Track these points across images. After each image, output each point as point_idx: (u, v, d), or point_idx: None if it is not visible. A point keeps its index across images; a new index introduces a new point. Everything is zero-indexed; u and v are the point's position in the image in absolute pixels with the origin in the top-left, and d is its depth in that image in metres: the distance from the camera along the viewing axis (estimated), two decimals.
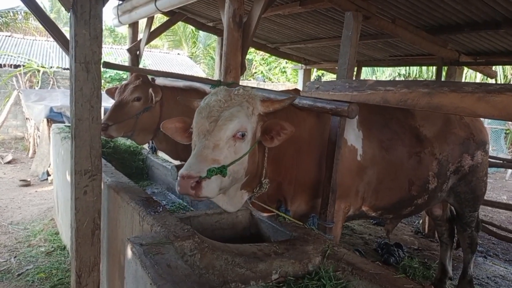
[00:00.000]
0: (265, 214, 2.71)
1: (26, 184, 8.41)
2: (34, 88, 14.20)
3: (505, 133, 15.97)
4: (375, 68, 17.04)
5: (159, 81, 5.25)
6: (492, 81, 9.95)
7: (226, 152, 2.13)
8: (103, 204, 2.85)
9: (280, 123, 2.28)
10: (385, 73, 18.43)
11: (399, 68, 17.30)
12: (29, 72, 14.51)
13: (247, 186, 2.47)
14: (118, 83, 16.34)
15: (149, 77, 4.50)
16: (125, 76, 15.17)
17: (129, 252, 1.89)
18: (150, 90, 4.03)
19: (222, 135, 2.12)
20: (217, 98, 2.25)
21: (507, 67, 15.16)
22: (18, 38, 18.58)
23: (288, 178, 2.75)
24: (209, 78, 6.62)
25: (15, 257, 4.74)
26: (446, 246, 4.48)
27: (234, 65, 3.78)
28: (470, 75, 14.83)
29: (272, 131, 2.29)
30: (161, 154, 4.99)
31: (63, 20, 25.48)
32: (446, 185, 3.58)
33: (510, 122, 14.36)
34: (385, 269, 2.01)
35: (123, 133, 4.04)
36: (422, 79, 15.92)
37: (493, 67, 7.77)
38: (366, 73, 17.97)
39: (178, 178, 1.96)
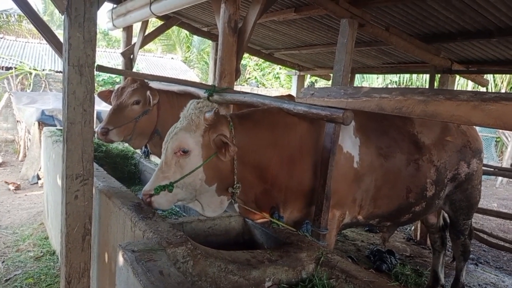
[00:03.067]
0: (259, 221, 2.69)
1: (16, 187, 8.28)
2: (26, 91, 14.08)
3: (496, 141, 16.15)
4: (365, 75, 17.17)
5: (154, 85, 5.23)
6: (484, 89, 10.05)
7: (173, 168, 2.42)
8: (94, 209, 2.81)
9: (225, 141, 2.39)
10: (378, 80, 18.56)
11: (390, 75, 17.45)
12: (21, 75, 14.39)
13: (223, 192, 2.58)
14: (111, 86, 16.28)
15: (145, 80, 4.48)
16: (118, 80, 15.10)
17: (120, 259, 1.86)
18: (148, 93, 4.00)
19: (168, 154, 2.44)
20: (182, 115, 2.54)
21: (498, 75, 15.37)
22: (11, 40, 18.44)
23: (277, 185, 2.73)
24: (203, 83, 6.60)
25: (3, 262, 4.65)
26: (439, 253, 4.48)
27: (229, 70, 3.78)
28: (462, 84, 14.99)
29: (223, 147, 2.42)
30: (154, 158, 4.95)
31: (56, 23, 25.31)
32: (443, 193, 3.59)
33: (500, 130, 14.54)
34: (378, 277, 2.00)
35: (123, 138, 4.01)
36: (414, 86, 16.07)
37: (485, 76, 7.85)
38: (357, 80, 18.07)
39: None
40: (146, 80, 4.63)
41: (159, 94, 4.19)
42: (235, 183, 2.54)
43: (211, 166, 2.45)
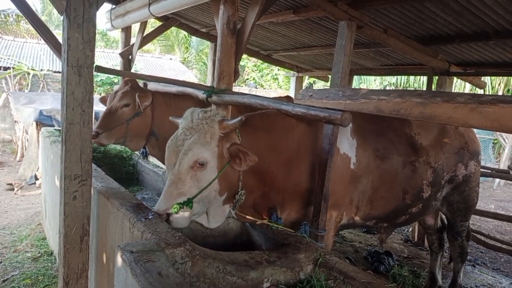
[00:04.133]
0: (256, 223, 2.69)
1: (13, 188, 8.26)
2: (24, 91, 14.05)
3: (493, 143, 16.21)
4: (363, 76, 17.21)
5: (151, 86, 5.23)
6: (481, 91, 10.09)
7: (189, 183, 2.27)
8: (92, 209, 2.81)
9: (244, 151, 2.31)
10: (376, 82, 18.59)
11: (388, 77, 17.49)
12: (19, 75, 14.37)
13: (228, 201, 2.51)
14: (109, 87, 16.27)
15: (141, 82, 4.48)
16: (116, 81, 15.09)
17: (119, 260, 1.86)
18: (137, 95, 4.01)
19: (182, 169, 2.26)
20: (183, 126, 2.36)
21: (495, 78, 15.42)
22: (9, 40, 18.43)
23: (275, 188, 2.73)
24: (202, 84, 6.60)
25: (0, 262, 4.64)
26: (436, 255, 4.49)
27: (228, 71, 3.78)
28: (460, 86, 15.03)
29: (238, 156, 2.33)
30: (152, 159, 4.95)
31: (55, 23, 25.29)
32: (440, 194, 3.60)
33: (498, 132, 14.59)
34: (376, 278, 2.00)
35: (115, 140, 4.01)
36: (411, 88, 16.11)
37: (482, 78, 7.88)
38: (355, 81, 18.11)
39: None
40: (145, 81, 4.64)
41: (154, 95, 4.20)
42: (240, 190, 2.48)
43: (224, 176, 2.38)
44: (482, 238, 6.24)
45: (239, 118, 2.34)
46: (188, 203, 2.23)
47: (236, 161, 2.33)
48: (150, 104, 4.11)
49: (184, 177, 2.26)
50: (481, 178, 4.10)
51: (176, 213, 2.21)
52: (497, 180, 13.08)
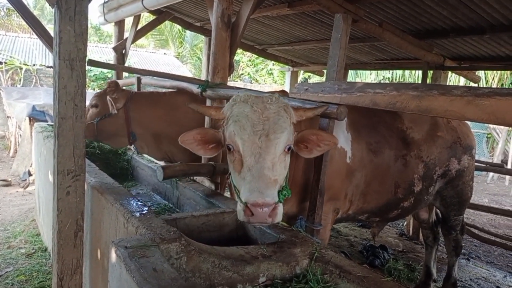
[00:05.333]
0: None
1: (7, 184, 8.20)
2: (16, 86, 13.91)
3: (487, 137, 16.31)
4: (359, 71, 17.24)
5: (145, 80, 5.19)
6: (475, 85, 10.13)
7: (279, 169, 2.01)
8: (86, 205, 2.78)
9: (319, 133, 2.21)
10: (371, 76, 18.62)
11: (383, 72, 17.53)
12: (11, 70, 14.23)
13: None
14: (102, 82, 16.16)
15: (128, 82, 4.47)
16: (110, 75, 14.97)
17: (113, 255, 1.84)
18: (108, 98, 4.09)
19: (277, 151, 2.00)
20: (253, 109, 2.06)
21: (489, 72, 15.50)
22: (0, 34, 18.20)
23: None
24: (196, 78, 6.55)
25: None
26: (431, 248, 4.51)
27: (222, 65, 3.75)
28: (454, 80, 15.09)
29: (309, 141, 2.21)
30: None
31: (47, 17, 25.03)
32: (433, 189, 3.60)
33: (491, 126, 14.69)
34: (372, 272, 2.00)
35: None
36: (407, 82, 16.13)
37: (477, 72, 7.91)
38: (351, 76, 18.14)
39: (249, 205, 1.83)
40: (139, 76, 4.62)
41: (133, 96, 4.28)
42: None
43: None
44: (476, 231, 6.28)
45: (317, 106, 2.22)
46: (288, 190, 2.02)
47: (301, 148, 2.22)
48: (123, 106, 4.17)
49: (276, 162, 2.00)
50: (475, 172, 4.10)
51: (281, 202, 1.94)
52: (491, 174, 13.18)
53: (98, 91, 4.35)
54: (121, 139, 4.32)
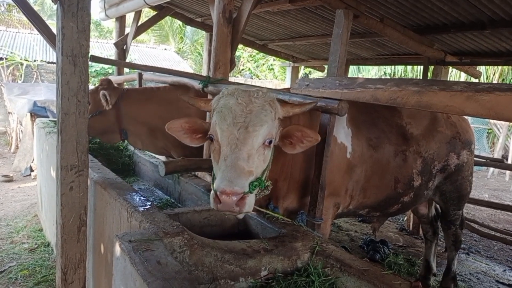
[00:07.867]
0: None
1: (9, 179, 8.23)
2: (17, 82, 13.91)
3: (487, 132, 16.30)
4: (360, 66, 17.21)
5: (146, 76, 5.21)
6: (476, 81, 10.13)
7: (257, 161, 2.04)
8: (89, 200, 2.81)
9: (303, 129, 2.23)
10: (371, 72, 18.60)
11: (384, 67, 17.50)
12: (12, 65, 14.23)
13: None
14: (103, 77, 16.14)
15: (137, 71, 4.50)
16: (110, 71, 14.98)
17: (117, 249, 1.86)
18: (103, 92, 4.15)
19: (255, 143, 2.03)
20: (237, 102, 2.10)
21: (490, 67, 15.47)
22: (1, 30, 18.18)
23: (283, 175, 2.74)
24: (197, 74, 6.56)
25: None
26: (431, 243, 4.54)
27: (224, 61, 3.76)
28: (455, 75, 15.06)
29: (293, 137, 2.24)
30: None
31: (47, 13, 24.95)
32: (432, 183, 3.62)
33: (492, 122, 14.68)
34: (373, 266, 2.02)
35: None
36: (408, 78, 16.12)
37: (478, 67, 7.90)
38: (352, 71, 18.11)
39: (217, 193, 1.87)
40: (140, 71, 4.64)
41: (125, 94, 4.34)
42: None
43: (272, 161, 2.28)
44: (476, 226, 6.31)
45: (310, 101, 2.23)
46: (260, 182, 2.03)
47: (285, 144, 2.25)
48: (113, 104, 4.23)
49: (254, 154, 2.03)
50: (475, 167, 4.12)
51: (251, 193, 1.97)
52: (491, 169, 13.18)
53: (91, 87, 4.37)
54: (112, 136, 4.41)
